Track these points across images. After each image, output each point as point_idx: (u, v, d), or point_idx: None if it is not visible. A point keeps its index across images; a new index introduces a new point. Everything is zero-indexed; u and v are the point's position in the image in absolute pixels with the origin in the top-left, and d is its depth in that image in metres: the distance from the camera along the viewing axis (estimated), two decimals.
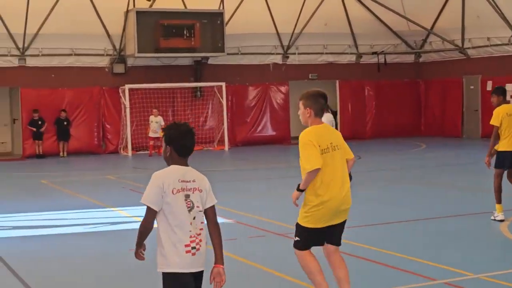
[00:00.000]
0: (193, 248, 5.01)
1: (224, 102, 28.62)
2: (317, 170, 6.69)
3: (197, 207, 5.08)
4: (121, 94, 27.50)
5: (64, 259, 9.85)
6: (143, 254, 5.27)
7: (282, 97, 30.56)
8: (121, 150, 27.68)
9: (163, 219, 5.06)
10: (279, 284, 8.34)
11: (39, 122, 26.08)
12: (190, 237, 5.01)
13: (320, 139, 6.78)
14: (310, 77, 31.16)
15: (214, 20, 28.14)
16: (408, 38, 32.43)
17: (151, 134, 25.77)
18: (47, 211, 13.32)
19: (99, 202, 14.85)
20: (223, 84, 28.55)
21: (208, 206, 5.17)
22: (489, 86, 28.79)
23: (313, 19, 30.07)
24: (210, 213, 5.18)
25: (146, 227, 5.09)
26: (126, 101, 27.14)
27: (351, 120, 31.39)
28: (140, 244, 5.20)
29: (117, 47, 27.98)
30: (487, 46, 29.43)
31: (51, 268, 9.55)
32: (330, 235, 7.05)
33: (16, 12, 25.65)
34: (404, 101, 32.43)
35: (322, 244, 7.14)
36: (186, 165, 5.21)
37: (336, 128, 32.05)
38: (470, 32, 29.67)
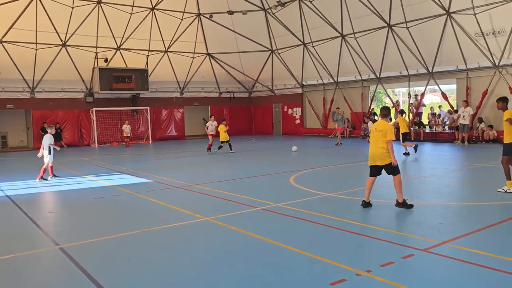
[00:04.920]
0: None
1: (148, 117, 28.26)
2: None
3: None
4: (91, 114, 26.69)
5: (60, 202, 9.38)
6: None
7: (180, 115, 30.08)
8: (91, 144, 26.84)
9: None
10: (188, 217, 7.41)
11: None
12: None
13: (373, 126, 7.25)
14: (195, 104, 30.93)
15: (142, 73, 27.66)
16: (245, 84, 32.71)
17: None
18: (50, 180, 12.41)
19: (78, 173, 14.05)
20: (148, 108, 28.24)
21: None
22: (286, 109, 29.54)
23: (197, 73, 30.03)
24: None
25: None
26: (93, 117, 26.41)
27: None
28: None
29: (88, 87, 27.04)
30: (284, 88, 30.27)
31: (54, 207, 9.09)
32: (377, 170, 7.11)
33: (28, 63, 24.40)
34: (243, 116, 32.65)
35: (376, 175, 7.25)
36: None
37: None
38: (276, 81, 30.38)
